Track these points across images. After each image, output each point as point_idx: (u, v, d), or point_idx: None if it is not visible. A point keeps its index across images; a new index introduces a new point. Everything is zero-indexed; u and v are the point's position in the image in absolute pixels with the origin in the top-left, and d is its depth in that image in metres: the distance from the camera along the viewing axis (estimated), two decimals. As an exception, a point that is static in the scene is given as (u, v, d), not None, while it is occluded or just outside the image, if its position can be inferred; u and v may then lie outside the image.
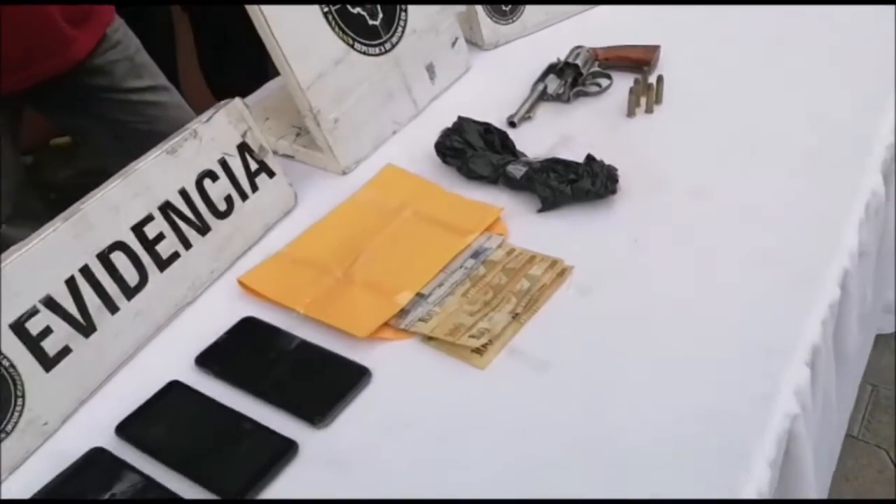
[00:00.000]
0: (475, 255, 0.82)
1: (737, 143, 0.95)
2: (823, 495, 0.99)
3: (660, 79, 1.04)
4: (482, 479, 0.62)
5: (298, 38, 0.91)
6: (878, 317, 1.26)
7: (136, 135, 1.41)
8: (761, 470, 0.61)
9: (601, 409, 0.67)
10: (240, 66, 1.98)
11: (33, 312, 0.67)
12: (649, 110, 1.03)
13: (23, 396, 0.66)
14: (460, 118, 0.96)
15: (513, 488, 0.61)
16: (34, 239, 0.68)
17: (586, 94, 1.07)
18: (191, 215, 0.79)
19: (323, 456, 0.65)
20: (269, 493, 0.62)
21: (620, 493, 0.60)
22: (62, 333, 0.68)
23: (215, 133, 0.82)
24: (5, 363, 0.65)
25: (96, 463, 0.65)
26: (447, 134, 0.95)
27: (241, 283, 0.80)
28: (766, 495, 0.62)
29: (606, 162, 0.88)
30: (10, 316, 0.65)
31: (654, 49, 1.11)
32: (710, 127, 0.98)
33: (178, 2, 1.84)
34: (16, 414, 0.65)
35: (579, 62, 1.08)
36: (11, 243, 1.32)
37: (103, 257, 0.72)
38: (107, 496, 0.62)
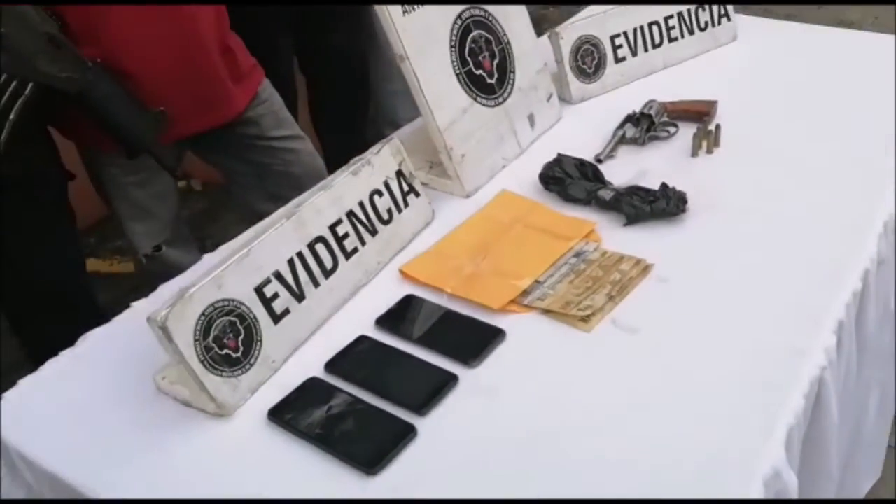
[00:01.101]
0: (577, 255, 1.08)
1: (779, 175, 1.20)
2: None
3: (717, 127, 1.30)
4: (588, 405, 0.87)
5: (438, 94, 1.19)
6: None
7: (275, 175, 1.71)
8: (797, 400, 0.85)
9: (675, 362, 0.91)
10: (343, 120, 2.30)
11: (267, 282, 0.94)
12: (709, 152, 1.29)
13: (260, 341, 0.92)
14: (559, 154, 1.23)
15: (613, 412, 0.85)
16: (268, 230, 0.96)
17: (658, 139, 1.33)
18: (365, 220, 1.06)
19: (475, 387, 0.90)
20: (439, 409, 0.87)
21: (688, 407, 0.84)
22: (284, 298, 0.95)
23: (382, 162, 1.10)
24: (251, 316, 0.92)
25: (313, 388, 0.90)
26: (549, 166, 1.21)
27: (401, 272, 1.07)
28: (800, 423, 0.85)
29: (681, 191, 1.14)
30: (254, 283, 0.92)
31: (713, 103, 1.37)
32: (758, 164, 1.24)
33: (304, 73, 2.17)
34: (256, 352, 0.92)
35: (652, 113, 1.34)
36: (170, 262, 1.61)
37: (311, 247, 0.99)
38: (325, 408, 0.87)
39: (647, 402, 0.86)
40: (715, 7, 1.61)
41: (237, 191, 1.79)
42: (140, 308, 1.05)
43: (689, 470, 0.78)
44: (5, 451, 0.90)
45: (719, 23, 1.62)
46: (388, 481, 0.80)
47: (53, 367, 0.98)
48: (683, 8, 1.57)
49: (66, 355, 1.00)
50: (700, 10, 1.59)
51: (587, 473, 0.79)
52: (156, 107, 1.38)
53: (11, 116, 1.23)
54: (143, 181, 1.58)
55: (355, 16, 2.11)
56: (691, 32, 1.58)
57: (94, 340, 1.02)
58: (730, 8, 1.63)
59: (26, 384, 0.96)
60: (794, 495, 0.81)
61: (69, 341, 1.03)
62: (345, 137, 2.22)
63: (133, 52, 1.38)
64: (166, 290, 1.05)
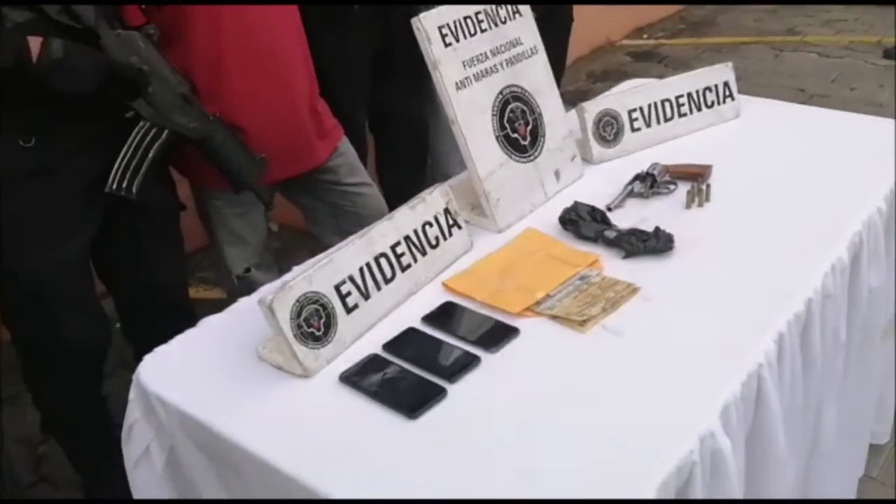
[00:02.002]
0: (581, 278, 1.37)
1: (753, 225, 1.49)
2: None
3: (708, 186, 1.59)
4: (579, 383, 1.15)
5: (480, 151, 1.52)
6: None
7: (346, 214, 2.06)
8: (734, 385, 1.12)
9: (648, 356, 1.19)
10: (403, 173, 2.65)
11: (343, 282, 1.26)
12: (700, 205, 1.58)
13: (336, 325, 1.24)
14: (576, 202, 1.53)
15: (598, 389, 1.14)
16: (347, 244, 1.28)
17: (659, 194, 1.63)
18: (418, 244, 1.38)
19: (493, 367, 1.20)
20: (464, 380, 1.17)
21: (653, 387, 1.12)
22: (355, 296, 1.27)
23: (433, 201, 1.42)
24: (330, 306, 1.23)
25: (373, 360, 1.21)
26: (567, 211, 1.52)
27: (444, 284, 1.38)
28: (737, 402, 1.12)
29: (670, 233, 1.43)
30: (333, 282, 1.24)
31: (708, 167, 1.66)
32: (738, 217, 1.52)
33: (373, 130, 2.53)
34: (333, 333, 1.23)
35: (655, 173, 1.64)
36: (257, 283, 1.94)
37: (376, 260, 1.31)
38: (381, 374, 1.18)
39: (622, 383, 1.15)
40: (721, 88, 1.92)
41: (314, 226, 2.14)
42: (241, 304, 1.39)
43: (648, 427, 1.06)
44: (144, 396, 1.23)
45: (724, 102, 1.92)
46: (423, 424, 1.10)
47: (179, 340, 1.31)
48: (693, 89, 1.88)
49: (189, 332, 1.33)
50: (707, 91, 1.90)
51: (574, 430, 1.07)
52: (259, 154, 1.74)
53: (150, 155, 1.60)
54: (241, 213, 1.94)
55: (418, 88, 2.47)
56: (699, 109, 1.88)
57: (209, 323, 1.35)
58: (734, 89, 1.93)
59: (160, 350, 1.29)
60: (729, 456, 1.08)
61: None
62: (404, 187, 2.56)
63: (243, 111, 1.75)
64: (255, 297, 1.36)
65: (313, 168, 1.95)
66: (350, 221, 2.02)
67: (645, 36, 5.25)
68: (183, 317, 1.88)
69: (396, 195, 2.45)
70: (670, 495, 1.01)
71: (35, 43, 1.40)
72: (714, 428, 1.07)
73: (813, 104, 2.06)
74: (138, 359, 1.86)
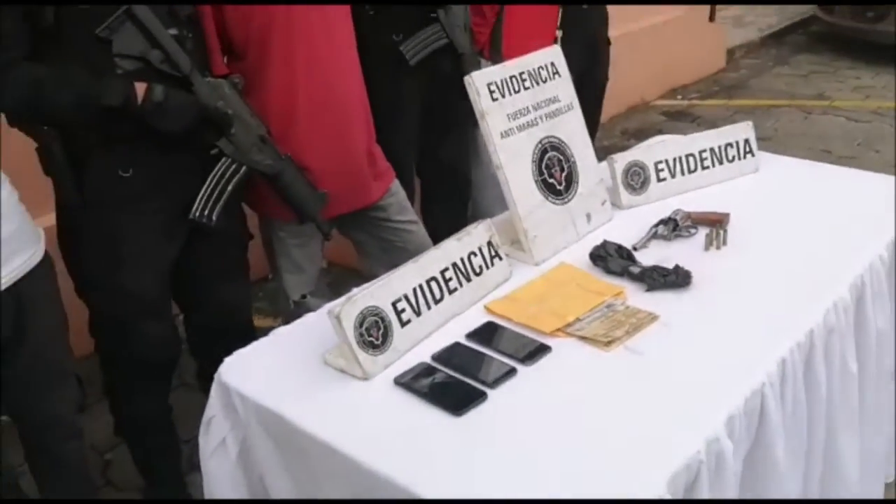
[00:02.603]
0: (608, 306, 1.55)
1: (764, 267, 1.66)
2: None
3: (725, 231, 1.77)
4: (603, 394, 1.32)
5: (520, 192, 1.71)
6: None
7: (395, 249, 2.26)
8: (738, 398, 1.28)
9: (662, 373, 1.36)
10: (447, 214, 2.84)
11: (399, 300, 1.45)
12: (718, 248, 1.75)
13: (392, 336, 1.42)
14: (605, 240, 1.71)
15: (619, 397, 1.30)
16: (404, 268, 1.47)
17: (681, 237, 1.80)
18: (464, 271, 1.57)
19: (527, 377, 1.37)
20: (502, 387, 1.34)
21: (667, 398, 1.28)
22: (409, 312, 1.46)
23: (478, 234, 1.62)
24: (387, 320, 1.42)
25: (423, 367, 1.39)
26: (597, 248, 1.70)
27: (486, 307, 1.56)
28: (740, 414, 1.28)
29: (689, 270, 1.60)
30: (390, 299, 1.43)
31: (726, 215, 1.84)
32: (751, 259, 1.69)
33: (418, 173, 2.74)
34: (389, 343, 1.41)
35: (678, 218, 1.82)
36: (312, 309, 2.13)
37: (427, 282, 1.50)
38: (430, 378, 1.36)
39: (640, 394, 1.32)
40: (742, 144, 2.10)
41: (364, 259, 2.34)
42: (307, 319, 1.58)
43: (661, 431, 1.23)
44: (225, 392, 1.42)
45: (744, 157, 2.10)
46: (466, 422, 1.27)
47: (254, 346, 1.51)
48: (715, 144, 2.07)
49: (262, 340, 1.52)
50: (728, 147, 2.08)
51: (597, 431, 1.24)
52: (321, 190, 1.96)
53: (229, 188, 1.82)
54: (301, 244, 2.15)
55: (463, 136, 2.68)
56: (720, 163, 2.07)
57: (280, 333, 1.54)
58: (754, 145, 2.11)
59: (238, 354, 1.48)
60: (730, 457, 1.24)
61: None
62: (446, 227, 2.76)
63: (310, 152, 1.97)
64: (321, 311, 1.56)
65: (368, 205, 2.16)
66: (398, 256, 2.21)
67: (679, 97, 5.46)
68: (246, 337, 2.07)
69: (439, 235, 2.66)
70: (680, 489, 1.17)
71: (140, 88, 1.64)
72: (719, 433, 1.23)
73: (839, 165, 2.24)
74: (202, 375, 2.08)
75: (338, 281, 3.16)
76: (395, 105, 2.37)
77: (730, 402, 1.28)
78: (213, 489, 1.48)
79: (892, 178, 1.98)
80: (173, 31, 1.69)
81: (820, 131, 4.62)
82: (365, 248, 2.32)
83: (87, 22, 1.59)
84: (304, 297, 2.21)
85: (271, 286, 2.68)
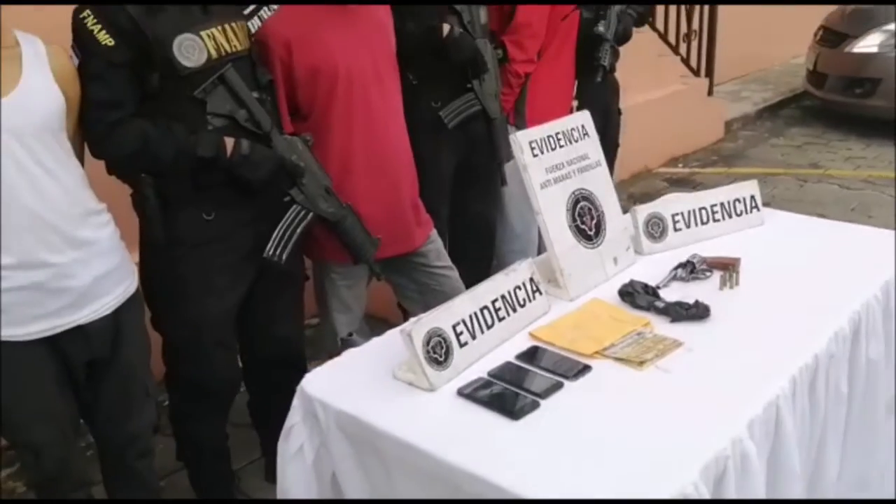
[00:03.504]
0: (638, 334, 1.77)
1: (771, 303, 1.88)
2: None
3: (737, 273, 2.00)
4: (637, 405, 1.53)
5: (557, 236, 1.94)
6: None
7: (432, 291, 2.48)
8: (756, 407, 1.49)
9: (688, 386, 1.57)
10: (473, 265, 3.07)
11: (458, 323, 1.66)
12: (731, 288, 1.98)
13: (453, 355, 1.63)
14: (631, 279, 1.94)
15: (651, 407, 1.51)
16: (461, 297, 1.70)
17: (697, 278, 2.03)
18: (511, 301, 1.79)
19: (571, 391, 1.58)
20: (551, 398, 1.55)
21: (693, 406, 1.49)
22: (466, 335, 1.67)
23: (522, 271, 1.84)
24: (448, 340, 1.63)
25: (483, 382, 1.60)
26: (625, 286, 1.92)
27: (530, 334, 1.78)
28: (759, 420, 1.48)
29: (707, 304, 1.83)
30: (451, 322, 1.65)
31: (737, 259, 2.07)
32: (760, 297, 1.92)
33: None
34: (450, 360, 1.62)
35: (695, 262, 2.05)
36: (357, 346, 2.34)
37: (480, 310, 1.72)
38: (489, 390, 1.56)
39: (671, 403, 1.52)
40: (748, 200, 2.35)
41: (403, 300, 2.56)
42: (374, 341, 1.79)
43: (691, 434, 1.43)
44: (307, 401, 1.62)
45: (751, 211, 2.35)
46: (521, 426, 1.48)
47: (330, 364, 1.72)
48: (725, 199, 2.31)
49: (336, 359, 1.73)
50: (737, 202, 2.33)
51: (634, 434, 1.44)
52: (374, 236, 2.19)
53: (297, 231, 2.05)
54: (350, 285, 2.37)
55: (492, 193, 2.94)
56: (730, 216, 2.31)
57: (351, 353, 1.76)
58: (759, 201, 2.36)
59: (317, 371, 1.69)
60: (754, 457, 1.44)
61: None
62: (473, 276, 2.99)
63: (363, 203, 2.22)
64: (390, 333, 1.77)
65: (411, 251, 2.40)
66: (433, 298, 2.44)
67: (680, 165, 5.77)
68: (298, 370, 2.28)
69: (466, 283, 2.88)
70: (710, 480, 1.37)
71: (229, 142, 1.89)
72: (742, 435, 1.43)
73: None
74: (252, 405, 2.28)
75: (370, 325, 3.37)
76: (433, 163, 2.62)
77: (750, 410, 1.49)
78: (287, 490, 1.67)
79: (887, 231, 2.22)
80: (256, 95, 1.95)
81: (815, 198, 4.90)
82: (404, 291, 2.54)
83: (185, 86, 1.85)
84: (350, 335, 2.42)
85: (310, 332, 2.88)
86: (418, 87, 2.53)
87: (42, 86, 1.65)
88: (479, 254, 3.04)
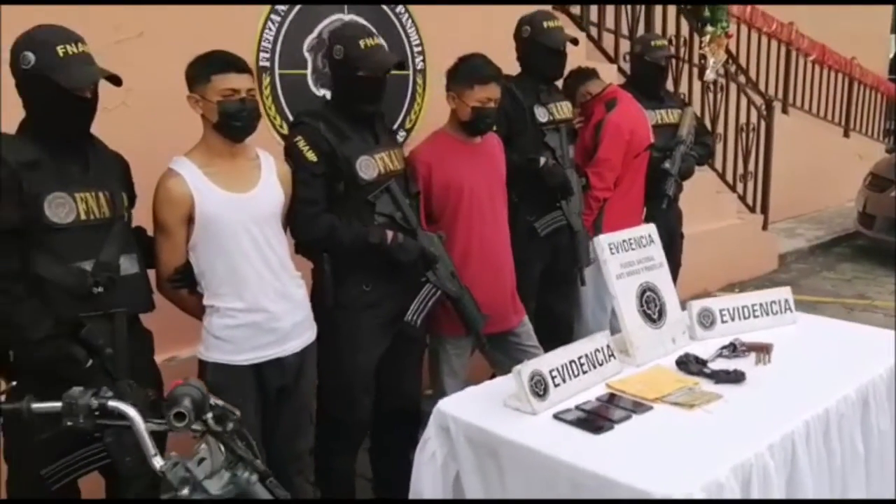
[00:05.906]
0: (689, 389, 2.34)
1: (798, 375, 2.43)
2: None
3: (770, 354, 2.56)
4: (687, 433, 2.09)
5: (628, 317, 2.55)
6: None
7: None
8: (776, 436, 2.04)
9: (724, 422, 2.12)
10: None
11: (553, 370, 2.26)
12: (764, 364, 2.53)
13: (549, 392, 2.23)
14: (686, 353, 2.53)
15: (697, 434, 2.07)
16: (556, 351, 2.31)
17: (738, 357, 2.59)
18: (592, 359, 2.39)
19: (639, 421, 2.15)
20: (623, 424, 2.12)
21: (727, 434, 2.05)
22: (558, 378, 2.27)
23: (600, 338, 2.45)
24: (546, 381, 2.23)
25: (572, 409, 2.19)
26: (681, 357, 2.50)
27: (607, 384, 2.36)
28: (779, 447, 2.03)
29: (743, 371, 2.40)
30: (548, 368, 2.26)
31: (770, 344, 2.63)
32: (788, 371, 2.47)
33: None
34: (547, 396, 2.22)
35: (736, 344, 2.62)
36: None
37: (570, 362, 2.32)
38: (578, 414, 2.15)
39: (712, 432, 2.08)
40: (783, 302, 2.92)
41: (499, 372, 3.16)
42: (489, 382, 2.40)
43: (725, 448, 1.98)
44: (442, 417, 2.22)
45: (785, 312, 2.92)
46: (602, 439, 2.05)
47: (455, 395, 2.33)
48: (763, 300, 2.89)
49: (459, 393, 2.34)
50: (773, 304, 2.91)
51: (686, 450, 2.01)
52: (483, 313, 2.84)
53: (429, 304, 2.71)
54: (459, 354, 3.00)
55: (572, 294, 3.57)
56: (766, 314, 2.88)
57: (471, 388, 2.37)
58: (792, 305, 2.93)
59: (447, 399, 2.30)
60: (773, 472, 1.98)
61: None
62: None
63: (476, 287, 2.87)
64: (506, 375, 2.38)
65: (509, 330, 3.03)
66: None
67: (737, 290, 6.30)
68: (417, 418, 2.86)
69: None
70: (738, 481, 1.91)
71: (389, 233, 2.59)
72: (763, 451, 1.98)
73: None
74: (374, 451, 2.88)
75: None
76: (526, 264, 3.29)
77: (770, 437, 2.03)
78: (420, 489, 2.25)
79: (890, 332, 2.77)
80: (408, 201, 2.67)
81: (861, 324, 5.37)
82: (500, 364, 3.15)
83: (361, 192, 2.58)
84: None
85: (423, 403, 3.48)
86: (518, 204, 3.24)
87: (272, 186, 2.39)
88: (558, 345, 3.63)
